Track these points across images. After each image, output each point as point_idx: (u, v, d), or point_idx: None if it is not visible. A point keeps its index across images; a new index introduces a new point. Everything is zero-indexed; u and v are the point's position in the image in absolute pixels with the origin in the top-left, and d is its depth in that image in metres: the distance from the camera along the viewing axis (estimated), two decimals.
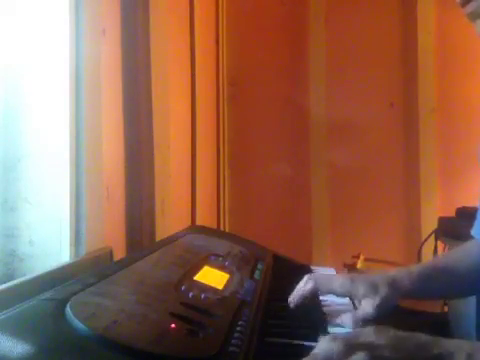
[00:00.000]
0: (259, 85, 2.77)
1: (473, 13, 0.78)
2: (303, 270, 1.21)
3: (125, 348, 0.54)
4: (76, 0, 1.03)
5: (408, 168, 2.68)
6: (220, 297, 0.81)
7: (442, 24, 2.65)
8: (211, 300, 0.77)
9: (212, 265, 0.98)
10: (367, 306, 0.86)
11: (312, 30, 2.74)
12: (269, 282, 1.08)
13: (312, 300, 0.93)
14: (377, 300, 0.86)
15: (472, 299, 1.66)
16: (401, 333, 0.55)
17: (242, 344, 0.66)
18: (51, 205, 1.01)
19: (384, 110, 2.71)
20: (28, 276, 0.86)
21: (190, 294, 0.76)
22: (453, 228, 2.02)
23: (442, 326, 1.95)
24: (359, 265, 2.53)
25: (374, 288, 0.88)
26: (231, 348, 0.64)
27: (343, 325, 0.86)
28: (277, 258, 1.34)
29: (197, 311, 0.70)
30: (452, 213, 2.14)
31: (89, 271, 0.85)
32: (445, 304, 2.16)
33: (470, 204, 1.66)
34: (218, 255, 1.07)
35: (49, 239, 1.00)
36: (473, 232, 1.04)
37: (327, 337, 0.54)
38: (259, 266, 1.14)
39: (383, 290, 0.87)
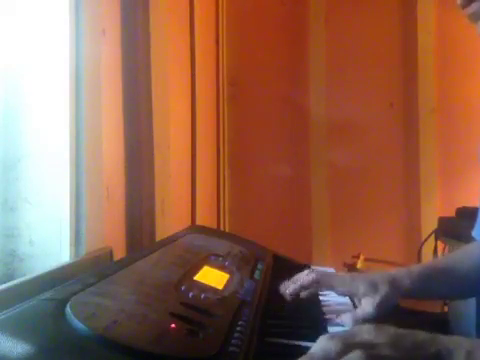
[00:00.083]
0: (259, 85, 2.77)
1: (474, 14, 0.78)
2: (303, 270, 1.21)
3: (125, 348, 0.54)
4: (76, 0, 1.03)
5: (408, 168, 2.68)
6: (220, 297, 0.81)
7: (442, 24, 2.65)
8: (211, 300, 0.77)
9: (212, 265, 0.98)
10: (367, 305, 0.86)
11: (312, 30, 2.74)
12: (269, 282, 1.07)
13: (310, 298, 0.93)
14: (377, 299, 0.86)
15: (472, 299, 1.66)
16: (400, 330, 0.54)
17: (242, 344, 0.66)
18: (51, 205, 1.01)
19: (384, 110, 2.71)
20: (28, 276, 0.85)
21: (190, 294, 0.76)
22: (453, 228, 2.02)
23: (442, 326, 1.95)
24: (359, 265, 2.53)
25: (374, 287, 0.88)
26: (231, 348, 0.64)
27: (343, 324, 0.86)
28: (277, 258, 1.34)
29: (197, 311, 0.70)
30: (452, 213, 2.14)
31: (89, 271, 0.85)
32: (445, 304, 2.16)
33: (470, 204, 1.66)
34: (218, 255, 1.07)
35: (49, 239, 1.00)
36: (474, 233, 1.03)
37: (324, 336, 0.54)
38: (259, 266, 1.14)
39: (383, 289, 0.87)
